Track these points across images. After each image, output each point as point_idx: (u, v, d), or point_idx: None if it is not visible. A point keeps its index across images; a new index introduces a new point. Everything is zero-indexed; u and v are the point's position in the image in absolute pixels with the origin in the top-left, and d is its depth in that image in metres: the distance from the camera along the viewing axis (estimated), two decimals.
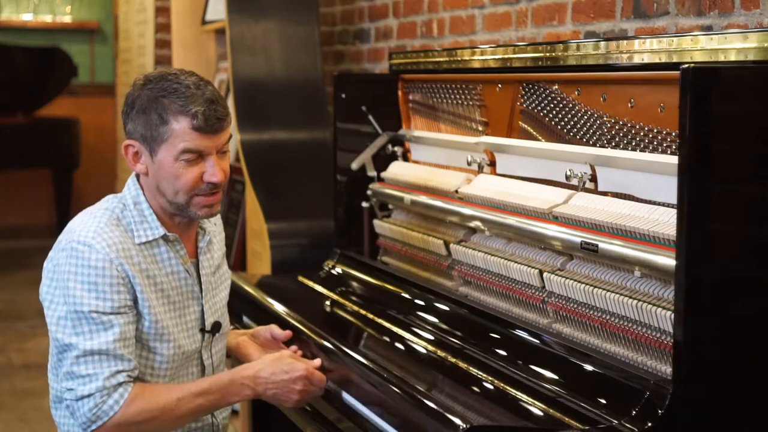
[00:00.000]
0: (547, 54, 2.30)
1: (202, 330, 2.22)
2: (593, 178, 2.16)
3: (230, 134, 2.16)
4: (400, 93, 3.06)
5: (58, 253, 2.10)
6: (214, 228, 2.33)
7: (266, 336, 2.41)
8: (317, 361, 2.24)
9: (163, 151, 2.09)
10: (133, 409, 2.03)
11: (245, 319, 2.86)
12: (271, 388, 2.15)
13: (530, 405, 1.92)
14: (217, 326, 2.25)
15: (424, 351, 2.31)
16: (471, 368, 2.15)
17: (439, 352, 2.28)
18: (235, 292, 2.49)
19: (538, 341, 2.11)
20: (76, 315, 2.04)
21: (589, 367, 1.94)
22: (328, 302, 2.80)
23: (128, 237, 2.12)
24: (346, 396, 2.21)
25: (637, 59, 2.03)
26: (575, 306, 2.11)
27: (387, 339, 2.47)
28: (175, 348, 2.15)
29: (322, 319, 2.69)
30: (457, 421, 1.79)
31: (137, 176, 2.20)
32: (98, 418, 2.02)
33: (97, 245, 2.06)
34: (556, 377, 1.98)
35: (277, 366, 2.16)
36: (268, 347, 2.39)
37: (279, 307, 2.69)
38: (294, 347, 2.36)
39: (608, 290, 2.00)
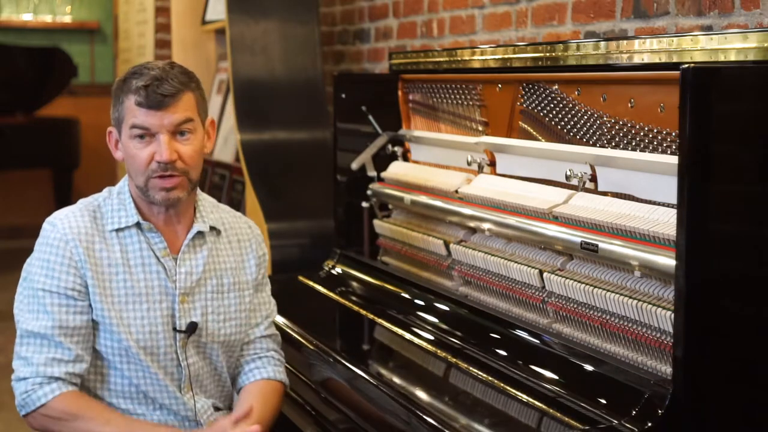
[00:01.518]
0: (547, 54, 2.30)
1: (175, 329, 2.17)
2: (593, 178, 2.16)
3: (188, 117, 2.11)
4: (400, 93, 3.06)
5: None
6: (209, 230, 2.24)
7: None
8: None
9: (123, 131, 2.13)
10: (60, 406, 2.06)
11: None
12: None
13: (530, 405, 1.92)
14: (191, 327, 2.17)
15: (424, 351, 2.31)
16: (471, 368, 2.15)
17: (440, 352, 2.28)
18: None
19: (538, 341, 2.11)
20: (32, 291, 2.12)
21: (589, 367, 1.94)
22: (327, 307, 2.80)
23: (99, 225, 2.16)
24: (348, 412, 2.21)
25: (637, 59, 2.03)
26: (575, 306, 2.10)
27: (387, 342, 2.48)
28: (131, 339, 2.11)
29: (322, 328, 2.70)
30: None
31: None
32: (26, 404, 2.08)
33: (59, 224, 2.13)
34: (556, 377, 1.98)
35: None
36: None
37: (279, 319, 2.69)
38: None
39: (608, 290, 2.00)
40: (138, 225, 2.17)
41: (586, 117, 2.26)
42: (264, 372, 2.29)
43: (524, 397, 1.96)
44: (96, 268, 2.12)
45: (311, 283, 2.95)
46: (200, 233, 2.23)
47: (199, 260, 2.22)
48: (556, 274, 2.15)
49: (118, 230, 2.16)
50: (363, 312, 2.63)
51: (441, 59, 2.81)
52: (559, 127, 2.35)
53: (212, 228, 2.26)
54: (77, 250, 2.11)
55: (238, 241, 2.31)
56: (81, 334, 2.11)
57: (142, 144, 2.10)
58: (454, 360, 2.22)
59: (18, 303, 2.15)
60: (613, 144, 2.16)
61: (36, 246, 2.16)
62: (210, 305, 2.22)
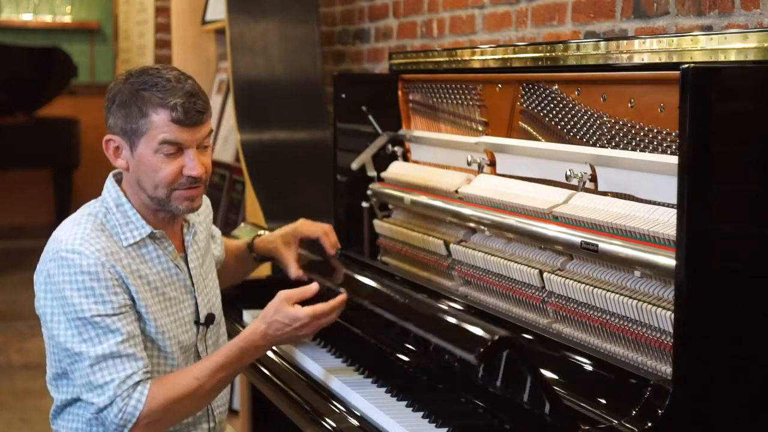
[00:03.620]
0: (547, 54, 2.30)
1: (197, 322, 2.23)
2: (593, 178, 2.16)
3: (211, 129, 2.16)
4: (400, 93, 3.06)
5: (46, 264, 2.09)
6: (197, 217, 2.32)
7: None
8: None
9: (142, 144, 2.09)
10: (157, 402, 2.04)
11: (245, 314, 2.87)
12: (283, 339, 2.18)
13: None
14: (210, 318, 2.26)
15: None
16: None
17: None
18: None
19: (538, 341, 2.11)
20: (81, 322, 2.04)
21: (589, 367, 1.94)
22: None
23: (114, 241, 2.12)
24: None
25: (637, 59, 2.03)
26: (575, 306, 2.10)
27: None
28: (175, 344, 2.16)
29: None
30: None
31: (115, 177, 2.20)
32: (127, 421, 2.03)
33: (86, 251, 2.06)
34: (556, 377, 1.98)
35: (280, 320, 2.15)
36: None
37: None
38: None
39: (608, 290, 2.00)
40: (150, 235, 2.17)
41: (586, 117, 2.26)
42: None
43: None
44: (133, 282, 2.10)
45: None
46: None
47: (197, 252, 2.29)
48: (556, 274, 2.15)
49: (132, 245, 2.15)
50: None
51: (441, 59, 2.81)
52: (559, 127, 2.35)
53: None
54: (115, 269, 2.07)
55: (201, 221, 2.37)
56: (141, 340, 2.10)
57: (169, 158, 2.09)
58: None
59: (69, 337, 2.05)
60: (613, 144, 2.16)
61: (63, 277, 2.05)
62: (209, 291, 2.30)
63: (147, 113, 2.07)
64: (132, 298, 2.10)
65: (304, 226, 2.58)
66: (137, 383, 2.04)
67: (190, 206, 2.16)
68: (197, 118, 2.09)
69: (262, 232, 2.65)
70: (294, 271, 2.50)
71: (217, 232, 2.59)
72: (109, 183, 2.19)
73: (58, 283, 2.06)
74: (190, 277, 2.24)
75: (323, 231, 2.54)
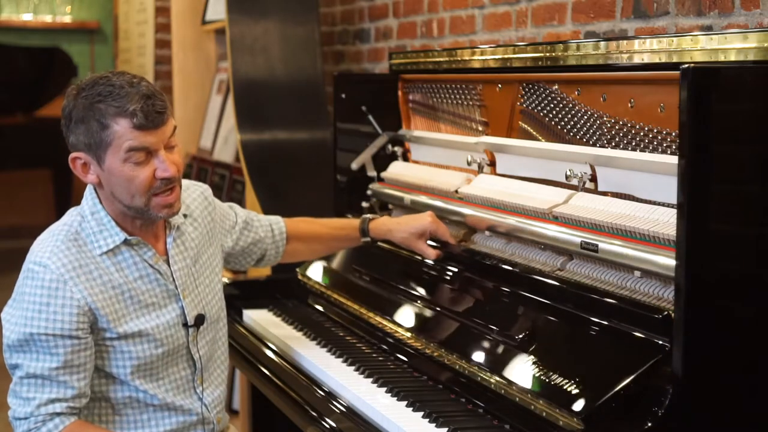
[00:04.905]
0: (547, 54, 2.30)
1: (185, 325, 2.19)
2: (593, 178, 2.16)
3: (174, 126, 2.11)
4: (400, 93, 3.06)
5: (21, 274, 2.11)
6: (180, 218, 2.26)
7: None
8: None
9: (109, 156, 2.05)
10: None
11: (245, 312, 2.87)
12: None
13: (530, 403, 1.91)
14: (200, 319, 2.21)
15: (423, 353, 2.31)
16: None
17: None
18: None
19: None
20: (25, 336, 2.03)
21: None
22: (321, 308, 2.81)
23: (86, 251, 2.10)
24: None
25: (637, 59, 2.03)
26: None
27: (387, 342, 2.48)
28: (156, 347, 2.13)
29: (323, 328, 2.70)
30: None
31: (94, 186, 2.17)
32: None
33: (52, 265, 2.05)
34: None
35: None
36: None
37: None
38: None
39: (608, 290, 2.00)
40: (125, 241, 2.13)
41: (586, 117, 2.26)
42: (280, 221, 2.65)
43: (525, 396, 1.95)
44: (101, 296, 2.08)
45: (310, 283, 2.95)
46: (176, 227, 2.24)
47: (184, 252, 2.24)
48: (556, 274, 2.15)
49: (107, 252, 2.12)
50: (363, 312, 2.62)
51: (441, 59, 2.81)
52: (559, 127, 2.35)
53: (184, 215, 2.28)
54: (77, 287, 2.05)
55: (199, 215, 2.33)
56: (86, 369, 2.07)
57: (139, 165, 2.05)
58: (456, 360, 2.21)
59: (10, 347, 2.06)
60: (613, 144, 2.16)
61: (26, 288, 2.06)
62: (203, 290, 2.26)
63: (107, 125, 2.03)
64: (94, 320, 2.07)
65: (437, 226, 2.54)
66: (58, 414, 2.03)
67: (169, 212, 2.12)
68: (159, 119, 2.04)
69: (371, 216, 2.65)
70: (434, 255, 2.53)
71: (242, 218, 2.52)
72: (88, 191, 2.17)
73: (21, 294, 2.07)
74: (173, 280, 2.20)
75: (449, 234, 2.54)
